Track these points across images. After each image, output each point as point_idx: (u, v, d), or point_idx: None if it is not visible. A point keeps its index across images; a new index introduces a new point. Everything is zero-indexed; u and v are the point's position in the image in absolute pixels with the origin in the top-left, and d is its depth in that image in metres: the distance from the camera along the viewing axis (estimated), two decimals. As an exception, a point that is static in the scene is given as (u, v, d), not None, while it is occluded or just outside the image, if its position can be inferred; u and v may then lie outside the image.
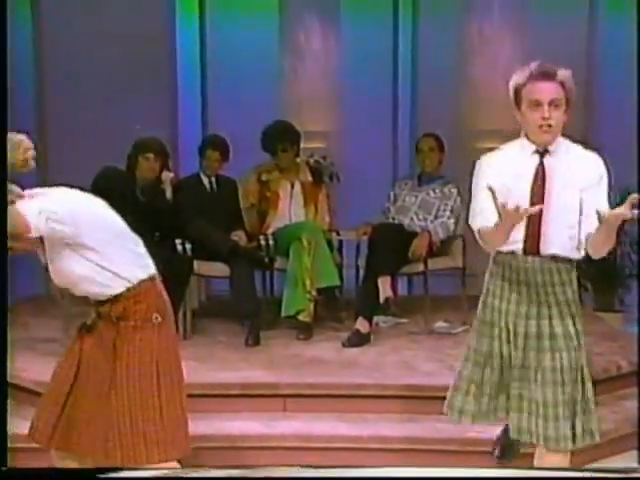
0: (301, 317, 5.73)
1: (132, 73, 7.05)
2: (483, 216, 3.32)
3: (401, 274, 6.02)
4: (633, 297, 6.76)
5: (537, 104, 3.26)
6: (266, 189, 6.28)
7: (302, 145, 6.36)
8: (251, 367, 5.07)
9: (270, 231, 6.13)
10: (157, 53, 7.25)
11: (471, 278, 6.08)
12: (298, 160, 6.38)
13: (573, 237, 3.34)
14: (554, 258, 3.35)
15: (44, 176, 6.75)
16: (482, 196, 3.32)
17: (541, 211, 3.26)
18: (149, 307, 3.44)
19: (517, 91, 3.32)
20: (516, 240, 3.33)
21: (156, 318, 3.45)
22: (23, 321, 6.11)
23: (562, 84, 3.27)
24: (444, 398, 4.65)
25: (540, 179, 3.32)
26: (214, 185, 6.19)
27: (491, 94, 7.14)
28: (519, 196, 3.24)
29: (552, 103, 3.25)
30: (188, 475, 3.12)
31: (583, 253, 3.38)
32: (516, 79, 3.33)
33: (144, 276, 3.46)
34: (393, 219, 6.13)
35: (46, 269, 3.45)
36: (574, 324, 3.40)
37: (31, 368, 4.95)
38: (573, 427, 3.35)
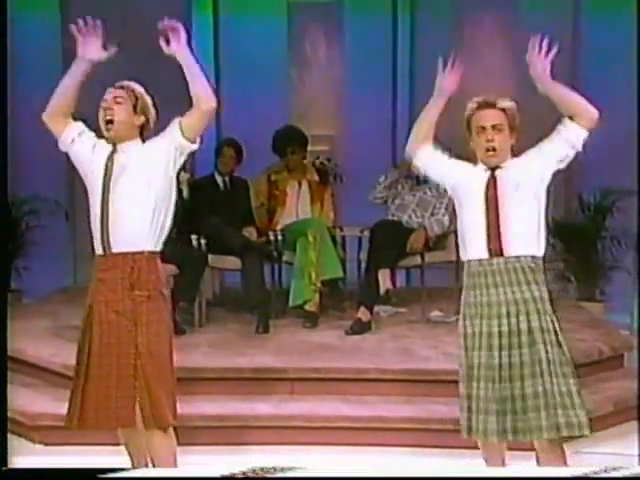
0: (307, 307, 5.73)
1: (150, 85, 7.04)
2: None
3: (400, 267, 6.02)
4: (613, 288, 6.78)
5: (482, 129, 3.42)
6: (275, 188, 6.29)
7: (309, 148, 6.36)
8: (261, 353, 5.07)
9: (279, 227, 6.13)
10: (174, 67, 7.24)
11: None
12: (305, 161, 6.38)
13: (531, 234, 3.37)
14: (517, 257, 3.36)
15: (72, 174, 6.82)
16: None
17: (497, 214, 3.34)
18: (158, 279, 3.45)
19: (468, 121, 3.49)
20: (480, 245, 3.38)
21: (165, 290, 3.47)
22: (53, 310, 6.13)
23: (503, 111, 3.43)
24: (440, 382, 4.70)
25: (492, 185, 3.39)
26: (227, 185, 6.20)
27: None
28: (471, 202, 3.40)
29: (495, 127, 3.40)
30: (188, 475, 3.12)
31: (543, 250, 3.40)
32: (466, 112, 3.51)
33: (160, 248, 3.47)
34: (393, 216, 6.13)
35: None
36: (550, 320, 3.35)
37: (60, 353, 4.97)
38: (556, 416, 3.26)
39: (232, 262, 5.85)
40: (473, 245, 3.41)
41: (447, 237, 6.04)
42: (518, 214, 3.35)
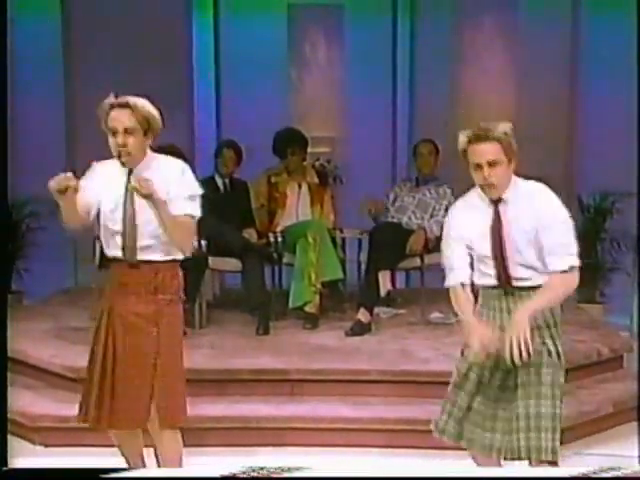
0: (307, 308, 5.73)
1: (151, 88, 7.06)
2: (455, 274, 3.41)
3: (399, 269, 6.03)
4: (612, 290, 6.78)
5: (478, 166, 3.27)
6: (275, 190, 6.29)
7: (309, 149, 6.37)
8: (261, 354, 5.07)
9: (279, 229, 6.13)
10: (175, 70, 7.28)
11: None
12: (305, 163, 6.38)
13: (536, 268, 3.33)
14: (526, 288, 3.35)
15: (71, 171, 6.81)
16: (453, 250, 3.42)
17: (503, 253, 3.31)
18: (179, 284, 3.54)
19: (463, 154, 3.33)
20: (490, 280, 3.38)
21: (182, 296, 3.56)
22: (53, 312, 6.13)
23: (499, 142, 3.25)
24: (439, 383, 4.68)
25: (497, 225, 3.33)
26: (227, 186, 6.20)
27: (482, 102, 7.15)
28: (480, 241, 3.35)
29: (491, 164, 3.25)
30: (189, 475, 3.13)
31: (545, 277, 3.34)
32: (459, 144, 3.33)
33: (182, 257, 3.55)
34: (392, 218, 6.14)
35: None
36: (554, 344, 3.35)
37: (61, 355, 4.98)
38: (553, 440, 3.26)
39: (232, 264, 5.85)
40: (484, 274, 3.39)
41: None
42: (522, 249, 3.30)
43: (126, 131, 3.41)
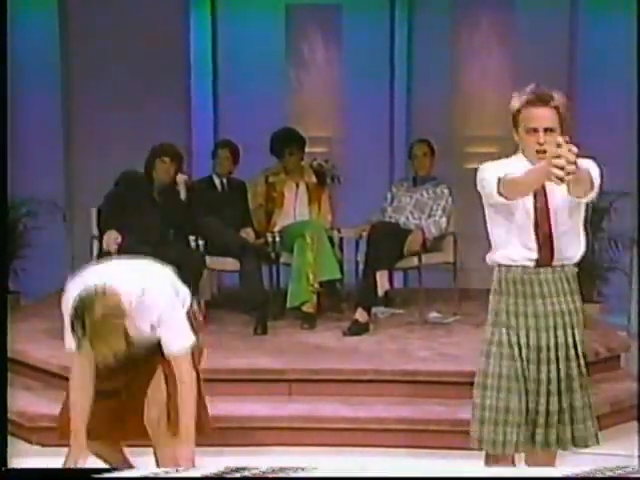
0: (305, 308, 5.72)
1: (149, 88, 7.07)
2: (496, 174, 3.15)
3: (397, 268, 6.02)
4: (610, 289, 6.77)
5: (533, 130, 3.14)
6: (273, 190, 6.28)
7: (307, 149, 6.36)
8: (259, 354, 5.06)
9: (276, 229, 6.12)
10: (173, 70, 7.27)
11: (462, 272, 6.10)
12: (303, 163, 6.37)
13: (578, 240, 3.25)
14: (563, 267, 3.24)
15: (70, 175, 6.81)
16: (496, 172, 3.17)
17: (549, 225, 3.17)
18: None
19: (514, 115, 3.20)
20: (528, 255, 3.22)
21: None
22: (50, 312, 6.10)
23: (557, 109, 3.15)
24: (437, 383, 4.69)
25: (542, 194, 3.18)
26: (225, 186, 6.20)
27: (480, 102, 7.15)
28: (519, 210, 3.18)
29: (547, 130, 3.13)
30: (185, 475, 3.11)
31: (583, 250, 3.28)
32: (513, 103, 3.20)
33: None
34: (390, 218, 6.13)
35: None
36: (580, 332, 3.28)
37: (58, 355, 4.95)
38: (594, 427, 3.30)
39: (230, 263, 5.84)
40: (517, 253, 3.22)
41: (444, 238, 6.05)
42: (568, 222, 3.19)
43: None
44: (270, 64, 7.20)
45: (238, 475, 2.54)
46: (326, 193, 6.37)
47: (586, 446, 3.32)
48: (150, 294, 3.23)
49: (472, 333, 5.19)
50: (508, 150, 3.44)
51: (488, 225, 3.33)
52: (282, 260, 6.04)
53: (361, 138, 7.21)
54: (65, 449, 4.15)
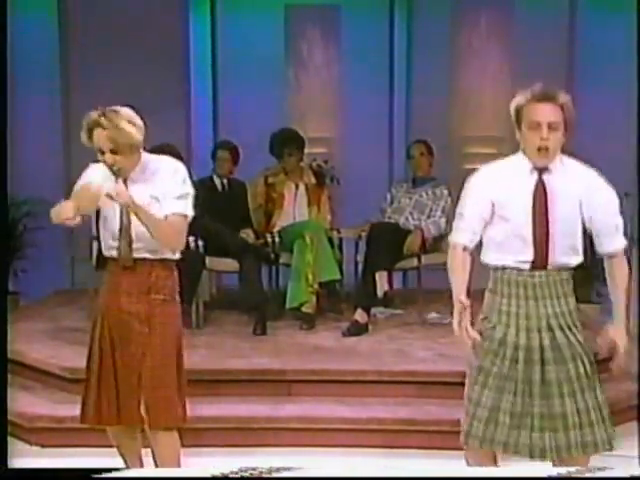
0: (304, 308, 5.72)
1: (149, 88, 7.06)
2: (461, 233, 3.26)
3: (397, 269, 6.02)
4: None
5: (536, 125, 3.11)
6: (272, 190, 6.28)
7: (306, 150, 6.36)
8: (258, 355, 5.07)
9: (276, 229, 6.13)
10: (172, 70, 7.27)
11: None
12: (302, 164, 6.38)
13: (575, 247, 3.22)
14: (559, 271, 3.22)
15: (70, 175, 6.80)
16: (471, 212, 3.23)
17: (547, 228, 3.15)
18: (174, 285, 3.51)
19: (518, 111, 3.16)
20: (523, 258, 3.20)
21: (177, 296, 3.52)
22: (51, 313, 6.12)
23: (562, 107, 3.12)
24: (436, 383, 4.69)
25: (541, 196, 3.16)
26: (225, 187, 6.20)
27: (479, 102, 7.15)
28: (517, 212, 3.17)
29: (551, 126, 3.10)
30: (183, 475, 3.11)
31: (581, 258, 3.26)
32: (518, 99, 3.16)
33: (177, 256, 3.52)
34: (389, 218, 6.14)
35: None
36: (579, 332, 3.25)
37: (57, 355, 4.97)
38: (606, 430, 3.22)
39: (229, 264, 5.85)
40: (513, 254, 3.20)
41: (444, 239, 6.04)
42: (566, 224, 3.16)
43: (115, 160, 3.38)
44: (269, 64, 7.20)
45: (238, 475, 2.54)
46: (325, 194, 6.37)
47: (596, 452, 3.21)
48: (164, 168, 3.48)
49: (471, 333, 5.19)
50: (507, 150, 3.45)
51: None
52: (281, 261, 6.04)
53: (360, 139, 7.21)
54: (65, 449, 4.17)
